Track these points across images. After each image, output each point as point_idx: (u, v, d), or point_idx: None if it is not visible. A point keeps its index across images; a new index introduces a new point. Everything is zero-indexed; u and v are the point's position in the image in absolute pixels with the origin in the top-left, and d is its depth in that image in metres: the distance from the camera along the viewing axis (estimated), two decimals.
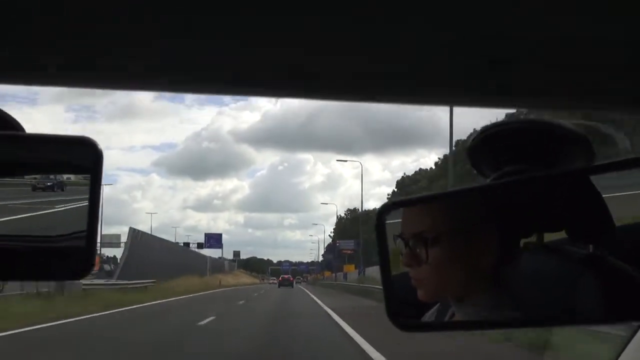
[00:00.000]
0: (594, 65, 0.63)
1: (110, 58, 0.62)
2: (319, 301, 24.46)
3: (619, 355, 0.98)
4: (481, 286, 0.73)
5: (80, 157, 0.71)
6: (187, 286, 34.62)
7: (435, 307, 0.76)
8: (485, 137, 0.72)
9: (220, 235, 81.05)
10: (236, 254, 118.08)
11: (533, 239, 0.71)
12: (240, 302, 23.35)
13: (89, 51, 0.60)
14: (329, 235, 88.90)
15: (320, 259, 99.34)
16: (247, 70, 0.64)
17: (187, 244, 72.59)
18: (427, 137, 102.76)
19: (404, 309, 0.74)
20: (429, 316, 0.76)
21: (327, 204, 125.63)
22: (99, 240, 0.71)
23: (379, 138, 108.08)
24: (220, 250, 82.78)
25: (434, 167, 53.00)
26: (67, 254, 0.70)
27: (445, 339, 7.42)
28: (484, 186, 0.73)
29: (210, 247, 77.61)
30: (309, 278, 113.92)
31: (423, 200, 0.76)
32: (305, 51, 0.58)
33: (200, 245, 75.32)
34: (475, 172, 0.75)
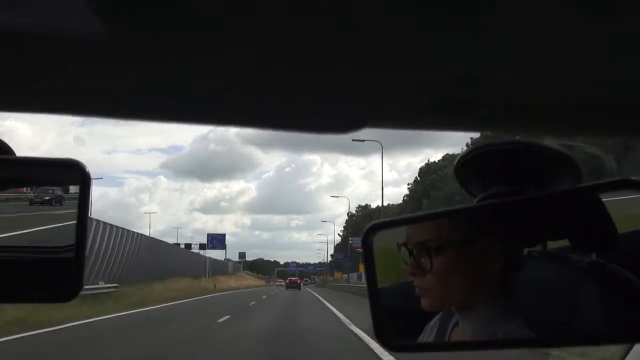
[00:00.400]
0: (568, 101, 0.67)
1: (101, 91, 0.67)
2: (336, 312, 17.19)
3: (625, 355, 1.02)
4: (486, 295, 0.77)
5: (69, 179, 0.76)
6: (172, 291, 30.03)
7: (436, 317, 0.80)
8: (473, 157, 0.76)
9: (223, 235, 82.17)
10: (242, 255, 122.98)
11: (537, 247, 0.76)
12: (222, 320, 14.33)
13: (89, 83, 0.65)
14: (339, 234, 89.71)
15: (329, 259, 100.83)
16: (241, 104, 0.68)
17: (188, 245, 73.29)
18: (434, 137, 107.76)
19: (393, 331, 0.78)
20: (432, 326, 0.80)
21: (337, 197, 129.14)
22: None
23: (385, 138, 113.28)
24: (224, 251, 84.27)
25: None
26: (55, 276, 0.74)
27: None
28: (471, 207, 0.76)
29: (213, 247, 78.34)
30: (316, 279, 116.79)
31: (409, 220, 0.80)
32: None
33: (202, 246, 75.99)
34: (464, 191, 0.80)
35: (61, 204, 0.77)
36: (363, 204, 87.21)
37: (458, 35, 0.53)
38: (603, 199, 0.71)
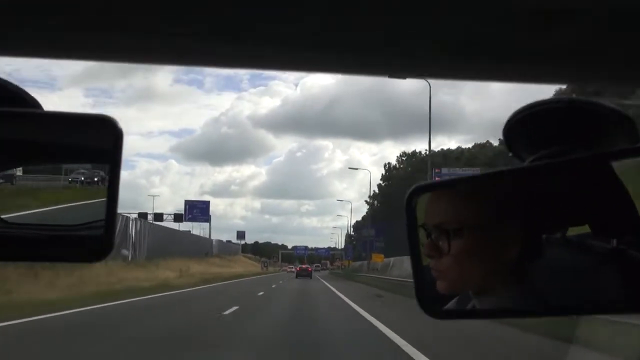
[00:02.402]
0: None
1: (125, 29, 0.89)
2: None
3: None
4: (503, 280, 1.00)
5: (100, 137, 0.95)
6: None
7: (454, 300, 1.04)
8: (523, 117, 0.96)
9: (206, 203, 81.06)
10: (240, 234, 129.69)
11: (557, 233, 0.98)
12: None
13: (103, 22, 0.87)
14: (367, 200, 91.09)
15: (343, 244, 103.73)
16: (259, 42, 0.89)
17: (158, 216, 72.39)
18: (448, 124, 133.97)
19: (434, 297, 1.02)
20: (451, 305, 1.04)
21: (356, 168, 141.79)
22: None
23: (399, 124, 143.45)
24: (207, 224, 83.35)
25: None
26: (87, 237, 0.98)
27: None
28: (519, 168, 0.98)
29: (192, 219, 76.73)
30: (329, 265, 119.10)
31: (456, 183, 1.03)
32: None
33: (178, 218, 75.03)
34: (510, 154, 1.02)
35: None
36: (375, 189, 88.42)
37: None
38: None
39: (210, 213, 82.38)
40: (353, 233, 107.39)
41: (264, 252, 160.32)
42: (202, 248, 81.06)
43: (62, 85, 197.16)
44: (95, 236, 0.96)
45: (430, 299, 1.02)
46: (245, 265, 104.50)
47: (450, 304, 1.05)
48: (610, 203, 0.96)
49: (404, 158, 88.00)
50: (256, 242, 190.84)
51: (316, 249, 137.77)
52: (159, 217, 72.55)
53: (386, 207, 66.77)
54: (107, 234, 0.96)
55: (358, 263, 79.28)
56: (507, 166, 1.00)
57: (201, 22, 0.85)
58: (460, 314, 1.07)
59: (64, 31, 0.87)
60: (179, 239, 69.14)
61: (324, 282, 54.54)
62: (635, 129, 0.95)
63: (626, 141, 0.95)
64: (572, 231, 0.98)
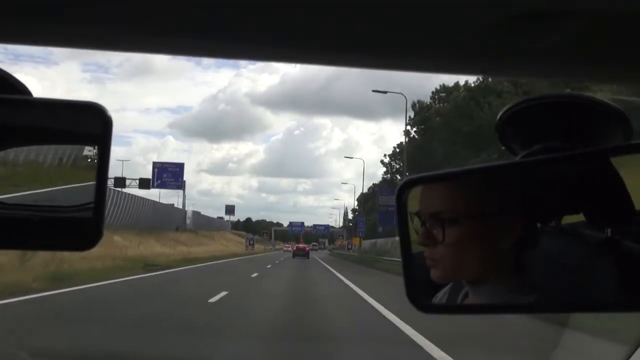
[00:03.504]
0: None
1: (117, 17, 1.00)
2: None
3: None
4: (498, 270, 1.13)
5: (89, 123, 1.08)
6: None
7: (446, 288, 1.18)
8: (516, 111, 1.09)
9: (180, 166, 75.25)
10: (229, 209, 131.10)
11: (552, 222, 1.11)
12: None
13: (93, 10, 1.02)
14: (383, 160, 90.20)
15: (341, 223, 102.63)
16: (250, 32, 1.01)
17: (120, 181, 67.80)
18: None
19: (423, 290, 1.16)
20: (441, 297, 1.18)
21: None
22: None
23: (398, 103, 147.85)
24: (181, 191, 78.62)
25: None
26: (76, 223, 1.11)
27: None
28: (513, 163, 1.11)
29: (162, 185, 73.02)
30: (326, 244, 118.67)
31: (447, 176, 1.16)
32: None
33: (144, 184, 71.28)
34: (503, 148, 1.18)
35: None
36: (373, 169, 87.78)
37: None
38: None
39: (185, 179, 76.40)
40: (357, 208, 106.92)
41: (257, 229, 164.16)
42: (172, 221, 79.55)
43: (58, 60, 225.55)
44: (85, 219, 1.09)
45: (421, 294, 1.17)
46: (228, 243, 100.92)
47: (442, 293, 1.18)
48: (606, 194, 1.10)
49: (442, 94, 79.89)
50: (249, 219, 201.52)
51: (314, 226, 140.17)
52: (120, 182, 68.65)
53: (424, 158, 61.23)
54: (96, 219, 1.08)
55: (369, 242, 73.78)
56: (501, 160, 1.14)
57: (199, 16, 0.99)
58: (452, 309, 1.21)
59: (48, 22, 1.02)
60: (138, 209, 67.51)
61: (333, 272, 39.28)
62: (629, 125, 1.08)
63: (620, 136, 1.08)
64: (568, 220, 1.12)
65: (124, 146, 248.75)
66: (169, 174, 74.28)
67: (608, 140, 1.10)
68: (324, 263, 59.32)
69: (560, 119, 1.12)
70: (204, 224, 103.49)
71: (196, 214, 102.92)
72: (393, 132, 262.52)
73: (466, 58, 1.07)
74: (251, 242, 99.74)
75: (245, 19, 1.00)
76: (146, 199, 74.25)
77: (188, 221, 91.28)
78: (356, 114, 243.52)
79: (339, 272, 37.91)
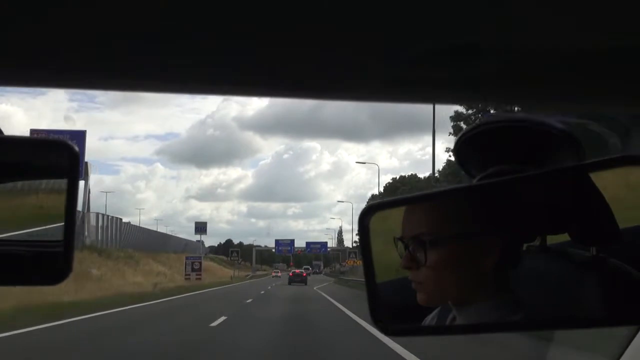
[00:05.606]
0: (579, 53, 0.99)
1: (107, 59, 1.01)
2: None
3: (623, 352, 1.48)
4: (483, 290, 1.14)
5: (57, 160, 1.10)
6: None
7: (435, 312, 1.18)
8: (472, 135, 1.13)
9: (82, 134, 49.21)
10: (200, 227, 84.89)
11: (536, 241, 1.12)
12: None
13: (89, 53, 1.00)
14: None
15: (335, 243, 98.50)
16: (244, 71, 1.06)
17: None
18: (436, 124, 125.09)
19: (388, 313, 1.18)
20: (429, 321, 1.18)
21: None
22: None
23: (386, 125, 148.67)
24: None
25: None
26: (44, 258, 1.11)
27: None
28: (470, 187, 1.14)
29: None
30: (322, 268, 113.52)
31: (409, 200, 1.18)
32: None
33: None
34: (463, 172, 1.22)
35: None
36: (362, 190, 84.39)
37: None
38: (602, 177, 1.05)
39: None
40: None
41: (246, 254, 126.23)
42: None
43: (45, 90, 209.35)
44: (54, 254, 1.10)
45: (385, 317, 1.20)
46: (163, 269, 63.49)
47: (431, 316, 1.20)
48: (587, 211, 1.11)
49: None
50: (229, 240, 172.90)
51: (308, 245, 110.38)
52: None
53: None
54: (65, 254, 1.10)
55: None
56: (464, 183, 1.18)
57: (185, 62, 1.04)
58: (419, 330, 1.24)
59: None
60: None
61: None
62: (581, 148, 1.12)
63: (572, 158, 1.12)
64: (551, 239, 1.13)
65: (111, 174, 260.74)
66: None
67: (561, 161, 1.14)
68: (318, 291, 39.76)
69: (513, 142, 1.16)
70: (152, 242, 75.23)
71: (127, 224, 70.62)
72: (382, 153, 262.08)
73: (408, 87, 1.12)
74: (195, 267, 64.14)
75: (230, 60, 1.06)
76: None
77: (92, 232, 55.57)
78: (345, 135, 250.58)
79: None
